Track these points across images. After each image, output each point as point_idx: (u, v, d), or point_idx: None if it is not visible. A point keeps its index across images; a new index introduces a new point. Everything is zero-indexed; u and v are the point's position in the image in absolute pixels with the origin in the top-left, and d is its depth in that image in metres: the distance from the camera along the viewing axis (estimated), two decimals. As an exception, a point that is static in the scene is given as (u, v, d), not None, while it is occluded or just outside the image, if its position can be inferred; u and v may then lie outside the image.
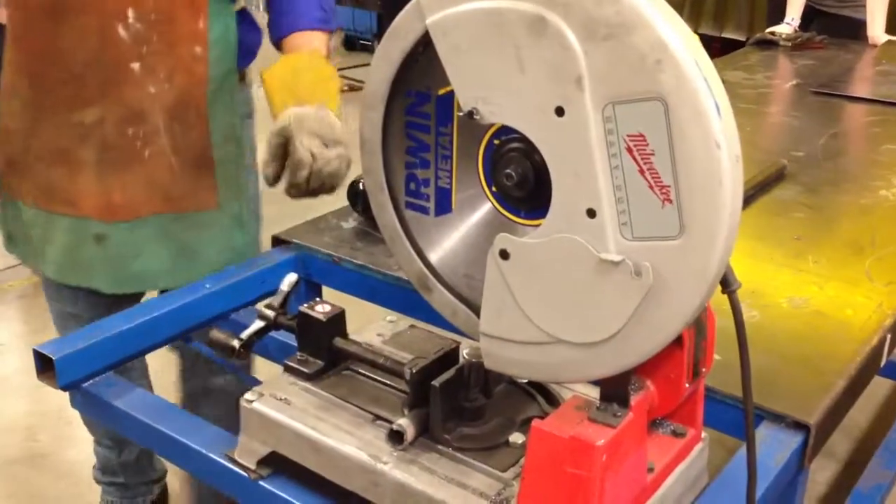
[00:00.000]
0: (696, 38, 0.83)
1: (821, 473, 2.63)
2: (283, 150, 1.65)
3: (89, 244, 1.75)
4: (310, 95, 1.68)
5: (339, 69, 7.02)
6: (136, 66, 1.66)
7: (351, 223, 1.85)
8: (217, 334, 1.31)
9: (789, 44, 3.45)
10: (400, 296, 1.62)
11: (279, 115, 1.66)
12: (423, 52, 0.97)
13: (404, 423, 1.09)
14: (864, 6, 3.66)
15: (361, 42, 7.58)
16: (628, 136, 0.84)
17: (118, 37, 1.63)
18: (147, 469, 2.26)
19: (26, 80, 1.71)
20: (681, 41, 0.80)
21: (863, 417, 2.90)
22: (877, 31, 3.61)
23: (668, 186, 0.83)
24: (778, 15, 3.86)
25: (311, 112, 1.64)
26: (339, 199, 1.91)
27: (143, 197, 1.72)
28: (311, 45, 1.75)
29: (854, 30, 3.67)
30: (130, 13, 1.63)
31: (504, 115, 0.91)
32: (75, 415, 1.53)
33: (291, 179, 1.65)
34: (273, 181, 1.69)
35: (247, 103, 1.89)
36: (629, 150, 0.84)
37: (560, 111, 0.86)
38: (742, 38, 3.78)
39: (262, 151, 1.72)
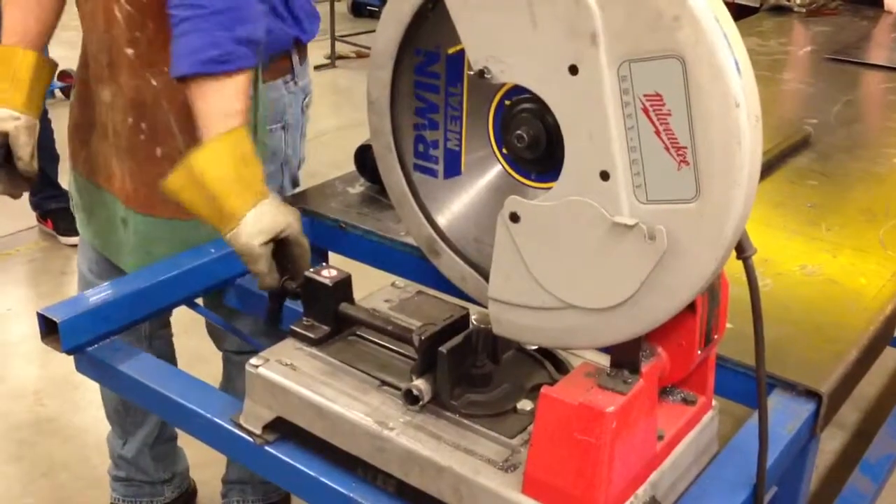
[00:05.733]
0: (716, -7, 0.80)
1: (829, 443, 2.62)
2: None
3: (118, 223, 1.74)
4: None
5: (346, 35, 6.88)
6: (129, 52, 1.57)
7: (358, 189, 1.83)
8: None
9: (804, 10, 3.39)
10: (407, 262, 1.60)
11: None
12: (432, 10, 0.94)
13: (420, 383, 1.08)
14: (882, -30, 3.58)
15: (368, 8, 7.50)
16: (644, 95, 0.81)
17: (115, 18, 1.56)
18: (149, 468, 2.14)
19: (81, 52, 1.72)
20: (700, -4, 0.77)
21: (872, 388, 2.89)
22: (894, -3, 3.54)
23: (685, 148, 0.81)
24: (792, -20, 3.78)
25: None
26: (346, 165, 1.89)
27: (157, 197, 1.56)
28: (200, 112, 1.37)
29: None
30: None
31: (515, 73, 0.89)
32: (82, 380, 1.52)
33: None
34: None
35: (280, 101, 1.72)
36: (645, 110, 0.82)
37: (574, 69, 0.84)
38: (755, 5, 3.71)
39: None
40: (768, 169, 1.90)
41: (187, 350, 2.22)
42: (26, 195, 3.78)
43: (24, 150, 1.59)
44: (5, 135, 1.58)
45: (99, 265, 1.87)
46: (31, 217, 3.88)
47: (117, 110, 1.64)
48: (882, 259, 1.57)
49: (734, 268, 0.95)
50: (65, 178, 3.72)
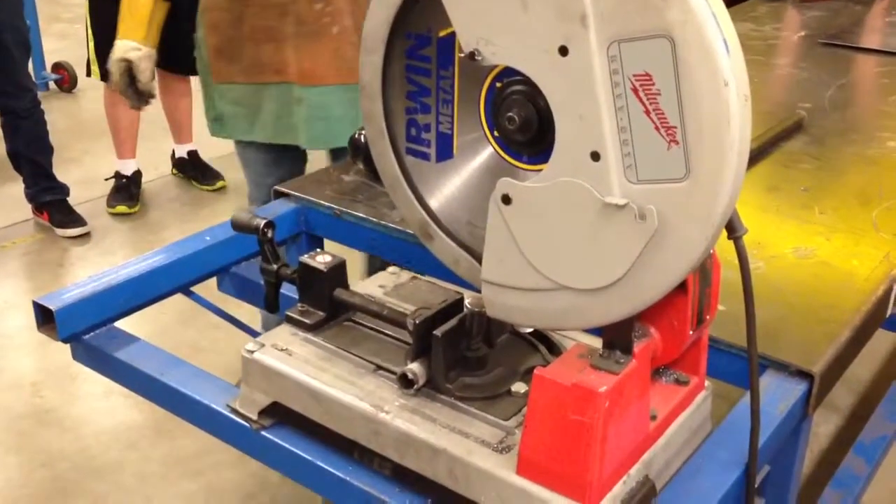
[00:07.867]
0: (705, -27, 0.80)
1: (824, 426, 2.64)
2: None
3: (293, 106, 2.12)
4: None
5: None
6: None
7: (352, 176, 1.83)
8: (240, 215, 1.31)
9: (798, -5, 3.39)
10: (401, 248, 1.60)
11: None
12: (423, -8, 0.94)
13: (415, 367, 1.09)
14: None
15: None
16: (634, 75, 0.81)
17: None
18: None
19: None
20: (689, -24, 0.78)
21: (866, 371, 2.90)
22: (887, -19, 3.53)
23: (675, 127, 0.81)
24: (786, -34, 3.77)
25: None
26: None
27: (331, 68, 2.08)
28: None
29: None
30: None
31: (506, 55, 0.89)
32: (79, 371, 1.53)
33: None
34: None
35: None
36: (635, 90, 0.82)
37: (564, 51, 0.84)
38: (749, -9, 3.72)
39: None
40: (762, 153, 1.90)
41: (184, 340, 2.23)
42: (21, 187, 3.81)
43: (144, 74, 2.11)
44: (130, 62, 2.09)
45: (267, 164, 2.24)
46: (26, 209, 3.88)
47: (302, 3, 2.05)
48: (875, 241, 1.58)
49: (727, 251, 0.96)
50: (59, 170, 3.74)
